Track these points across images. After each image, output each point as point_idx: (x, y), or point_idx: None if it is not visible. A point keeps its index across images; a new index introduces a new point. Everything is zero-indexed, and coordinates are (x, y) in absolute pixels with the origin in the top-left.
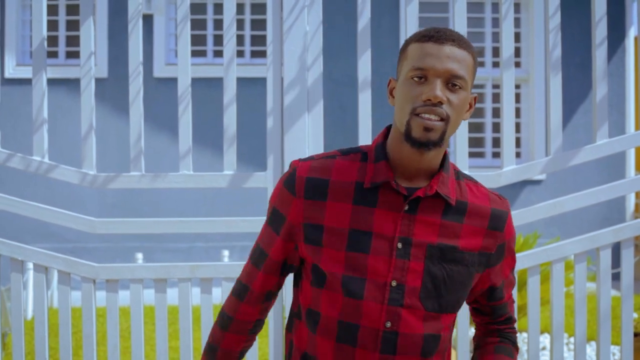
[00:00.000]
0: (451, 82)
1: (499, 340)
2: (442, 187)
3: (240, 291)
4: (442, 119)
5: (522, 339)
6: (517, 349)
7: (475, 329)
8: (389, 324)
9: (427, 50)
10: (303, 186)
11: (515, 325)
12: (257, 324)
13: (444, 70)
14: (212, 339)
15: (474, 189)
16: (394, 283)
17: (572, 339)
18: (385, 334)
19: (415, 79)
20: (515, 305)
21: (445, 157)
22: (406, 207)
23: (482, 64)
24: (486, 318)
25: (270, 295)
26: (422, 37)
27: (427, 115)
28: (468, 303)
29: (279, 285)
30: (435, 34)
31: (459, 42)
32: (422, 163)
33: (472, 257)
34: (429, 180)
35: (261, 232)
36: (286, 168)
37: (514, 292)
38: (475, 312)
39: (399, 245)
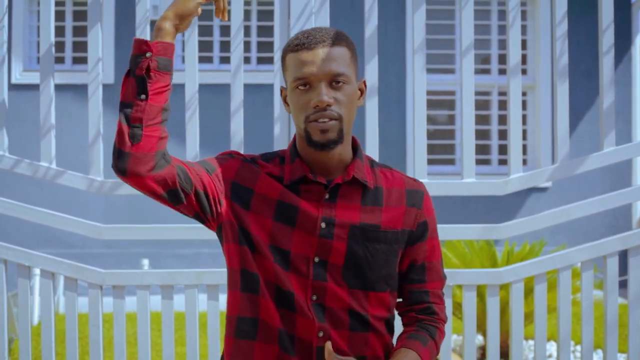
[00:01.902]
0: (334, 81)
1: (415, 329)
2: (359, 173)
3: None
4: (334, 119)
5: (528, 346)
6: (435, 341)
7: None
8: (314, 297)
9: (302, 59)
10: (240, 158)
11: (439, 320)
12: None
13: (323, 74)
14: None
15: (388, 174)
16: (316, 259)
17: (578, 347)
18: (314, 305)
19: (300, 87)
20: (522, 312)
21: (356, 147)
22: (327, 196)
23: (488, 71)
24: (403, 303)
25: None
26: (295, 46)
27: (320, 120)
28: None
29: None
30: (305, 41)
31: (330, 40)
32: (332, 160)
33: (394, 235)
34: (345, 171)
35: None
36: None
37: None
38: (398, 303)
39: (322, 224)
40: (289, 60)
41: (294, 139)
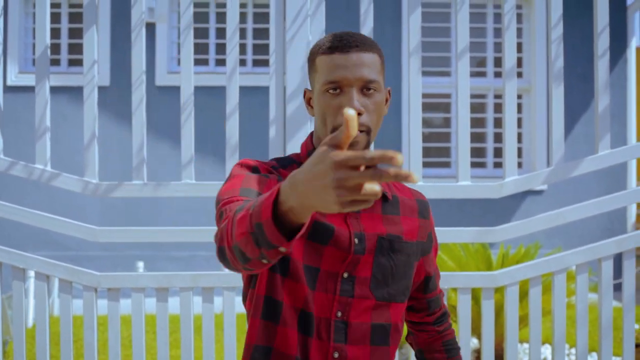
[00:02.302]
0: (365, 87)
1: (448, 357)
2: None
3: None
4: (363, 131)
5: (523, 349)
6: (458, 348)
7: (412, 330)
8: (339, 314)
9: (336, 62)
10: (275, 178)
11: (450, 320)
12: None
13: (356, 79)
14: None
15: (396, 183)
16: (345, 274)
17: (573, 350)
18: (337, 323)
19: (331, 91)
20: (517, 315)
21: None
22: None
23: (484, 74)
24: (423, 313)
25: None
26: (327, 48)
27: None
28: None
29: None
30: (339, 44)
31: (364, 46)
32: None
33: (412, 247)
34: None
35: (232, 183)
36: None
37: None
38: (411, 311)
39: (356, 240)
40: (319, 62)
41: (310, 141)
